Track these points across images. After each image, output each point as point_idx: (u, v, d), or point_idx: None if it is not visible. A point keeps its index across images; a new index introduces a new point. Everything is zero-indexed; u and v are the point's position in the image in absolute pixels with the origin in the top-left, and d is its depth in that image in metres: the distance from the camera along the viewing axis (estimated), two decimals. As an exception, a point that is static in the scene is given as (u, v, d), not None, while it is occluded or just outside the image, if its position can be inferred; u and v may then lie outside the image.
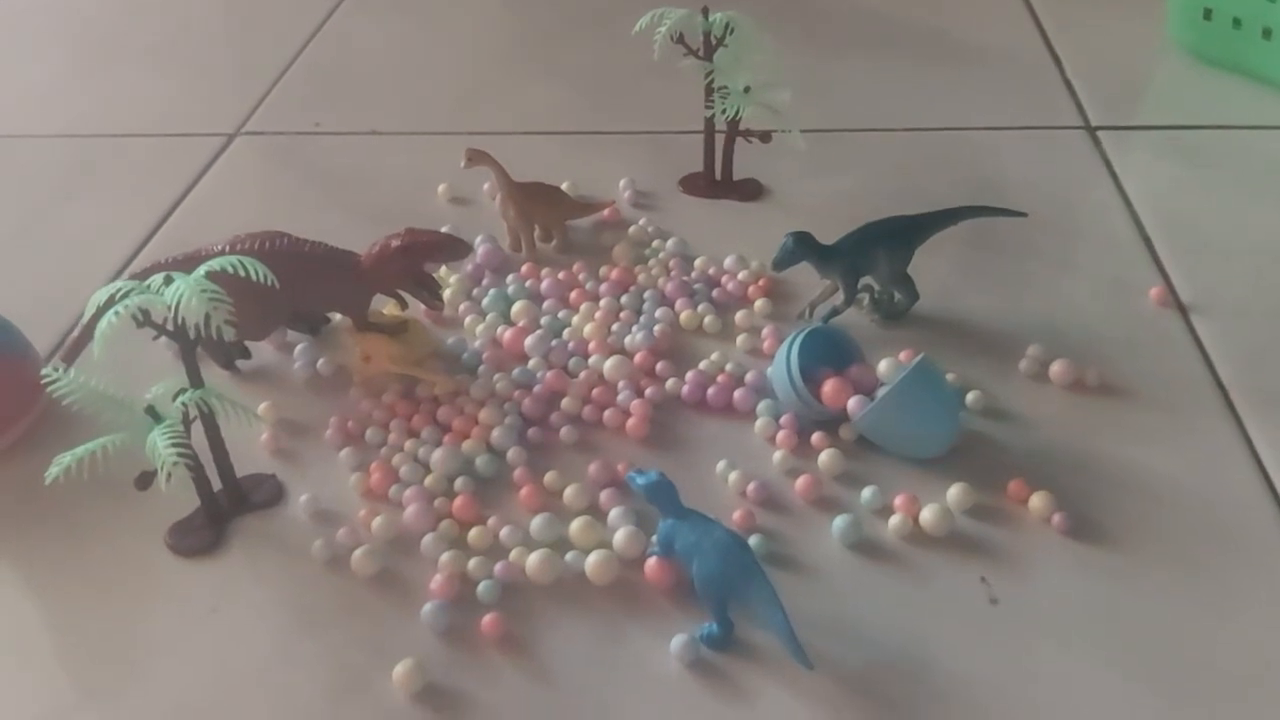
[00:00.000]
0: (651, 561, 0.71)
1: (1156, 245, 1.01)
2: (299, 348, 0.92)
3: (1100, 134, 1.18)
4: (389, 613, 0.71)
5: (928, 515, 0.74)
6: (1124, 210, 1.06)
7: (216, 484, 0.77)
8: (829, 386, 0.80)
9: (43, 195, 1.17)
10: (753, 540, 0.72)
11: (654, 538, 0.71)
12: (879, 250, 0.89)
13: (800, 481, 0.77)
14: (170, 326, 0.70)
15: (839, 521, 0.74)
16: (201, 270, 0.69)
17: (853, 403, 0.79)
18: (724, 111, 1.03)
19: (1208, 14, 1.26)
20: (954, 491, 0.76)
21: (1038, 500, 0.75)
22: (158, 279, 0.69)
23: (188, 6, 1.60)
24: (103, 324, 0.66)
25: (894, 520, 0.75)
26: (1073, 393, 0.85)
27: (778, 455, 0.80)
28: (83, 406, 0.70)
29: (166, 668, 0.70)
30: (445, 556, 0.73)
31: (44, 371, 0.70)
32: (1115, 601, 0.71)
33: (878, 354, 0.86)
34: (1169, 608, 0.70)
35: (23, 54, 1.49)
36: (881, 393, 0.79)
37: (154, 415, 0.70)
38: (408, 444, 0.82)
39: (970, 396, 0.84)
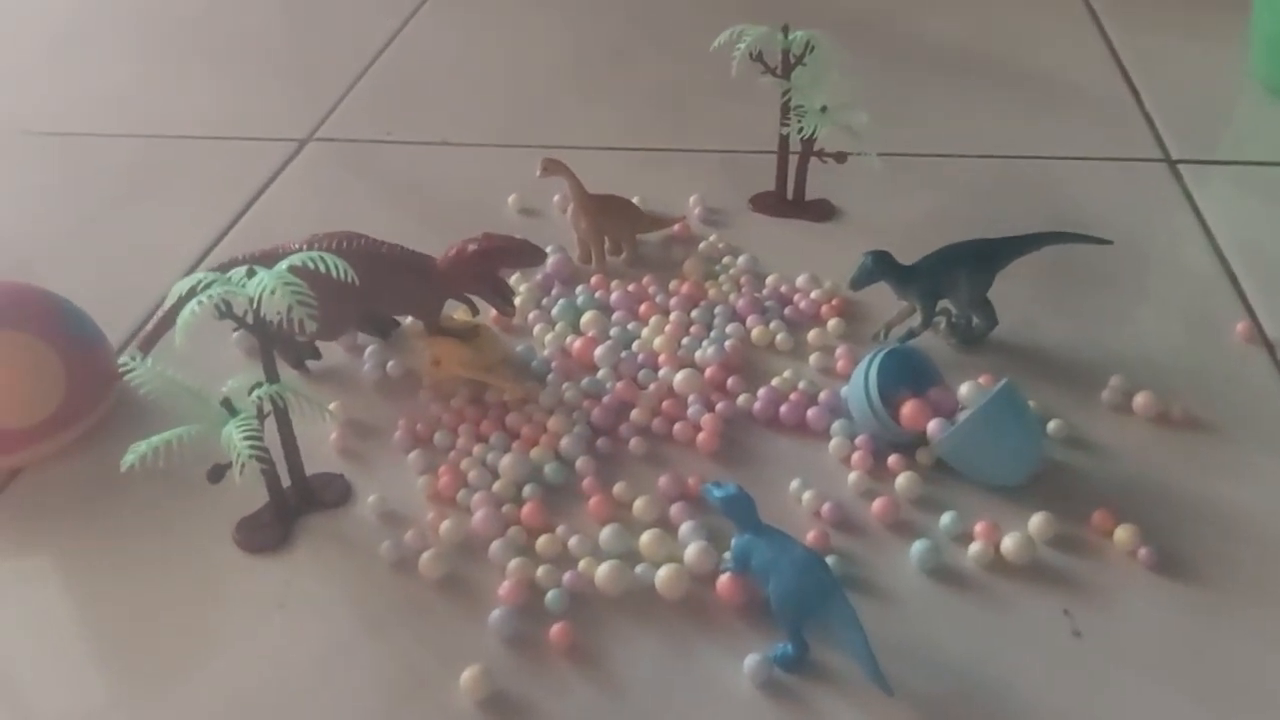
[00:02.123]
0: (725, 577, 0.69)
1: (1241, 280, 0.99)
2: (369, 350, 0.91)
3: (1181, 167, 1.16)
4: (456, 617, 0.70)
5: (1009, 544, 0.72)
6: (1207, 245, 1.04)
7: (286, 481, 0.77)
8: (908, 408, 0.79)
9: (117, 194, 1.18)
10: (828, 561, 0.70)
11: (727, 553, 0.70)
12: (959, 273, 0.87)
13: (877, 504, 0.76)
14: (251, 319, 0.69)
15: (918, 546, 0.72)
16: (284, 264, 0.69)
17: (933, 425, 0.77)
18: (800, 131, 1.02)
19: (1292, 50, 1.24)
20: (1036, 520, 0.74)
21: (1123, 533, 0.73)
22: (240, 272, 0.69)
23: (264, 13, 1.62)
24: (185, 313, 0.66)
25: (974, 547, 0.73)
26: (1157, 425, 0.83)
27: (853, 476, 0.78)
28: (158, 396, 0.70)
29: (231, 662, 0.69)
30: (513, 563, 0.72)
31: (121, 360, 0.70)
32: (1202, 639, 0.68)
33: (955, 378, 0.84)
34: (1256, 646, 0.67)
35: (103, 55, 1.51)
36: (963, 416, 0.77)
37: (229, 408, 0.70)
38: (476, 449, 0.82)
39: (1051, 425, 0.82)
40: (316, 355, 0.91)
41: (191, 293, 0.68)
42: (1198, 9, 1.47)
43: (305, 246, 0.82)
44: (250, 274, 0.68)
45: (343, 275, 0.71)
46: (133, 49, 1.52)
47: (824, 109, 1.01)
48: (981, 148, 1.21)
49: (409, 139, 1.27)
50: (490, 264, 0.84)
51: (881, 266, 0.87)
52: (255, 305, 0.68)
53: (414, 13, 1.57)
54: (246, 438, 0.67)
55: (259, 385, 0.71)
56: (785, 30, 1.02)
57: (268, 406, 0.71)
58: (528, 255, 0.86)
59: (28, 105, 1.39)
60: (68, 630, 0.72)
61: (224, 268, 0.81)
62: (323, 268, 0.71)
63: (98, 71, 1.46)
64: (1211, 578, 0.72)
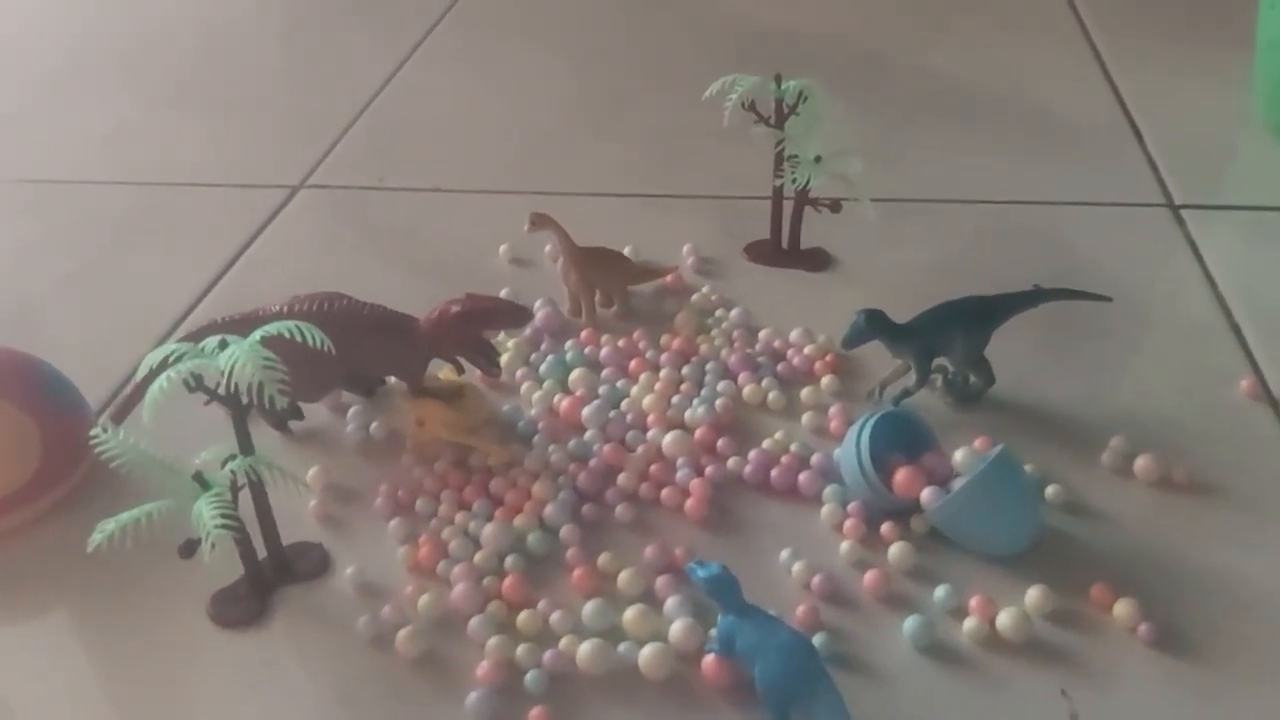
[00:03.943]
0: (709, 659, 0.67)
1: (1246, 333, 0.96)
2: (352, 410, 0.90)
3: (1184, 213, 1.14)
4: (432, 699, 0.68)
5: (1005, 619, 0.70)
6: (1210, 295, 1.01)
7: (261, 552, 0.75)
8: (901, 475, 0.77)
9: (104, 242, 1.17)
10: (817, 639, 0.68)
11: (713, 632, 0.67)
12: (955, 331, 0.85)
13: (869, 576, 0.73)
14: (223, 392, 0.68)
15: (910, 622, 0.70)
16: (257, 335, 0.68)
17: (927, 494, 0.75)
18: (794, 181, 1.00)
19: (1297, 91, 1.22)
20: (1033, 594, 0.71)
21: (1122, 607, 0.71)
22: (212, 342, 0.67)
23: (256, 58, 1.62)
24: (154, 389, 0.64)
25: (968, 623, 0.70)
26: (1159, 490, 0.81)
27: (845, 546, 0.76)
28: (130, 469, 0.68)
29: (200, 746, 0.67)
30: (493, 641, 0.70)
31: (92, 432, 0.68)
32: (1207, 722, 0.66)
33: (950, 439, 0.82)
34: (1266, 732, 0.65)
35: (90, 100, 1.51)
36: (958, 484, 0.75)
37: (202, 482, 0.68)
38: (458, 517, 0.80)
39: (1050, 490, 0.79)
40: (299, 416, 0.89)
41: (163, 365, 0.67)
42: (1202, 50, 1.45)
43: (285, 309, 0.81)
44: (222, 345, 0.67)
45: (318, 344, 0.69)
46: (121, 95, 1.51)
47: (818, 159, 1.00)
48: (979, 192, 1.19)
49: (401, 186, 1.26)
50: (474, 326, 0.83)
51: (874, 326, 0.84)
52: (226, 378, 0.66)
53: (407, 58, 1.56)
54: (217, 514, 0.65)
55: (232, 458, 0.69)
56: (778, 80, 1.00)
57: (242, 480, 0.69)
58: (512, 316, 0.84)
59: (12, 152, 1.38)
60: (35, 705, 0.70)
61: (200, 333, 0.80)
62: (299, 337, 0.69)
63: (84, 118, 1.45)
64: (1216, 655, 0.69)
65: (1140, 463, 0.81)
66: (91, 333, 1.03)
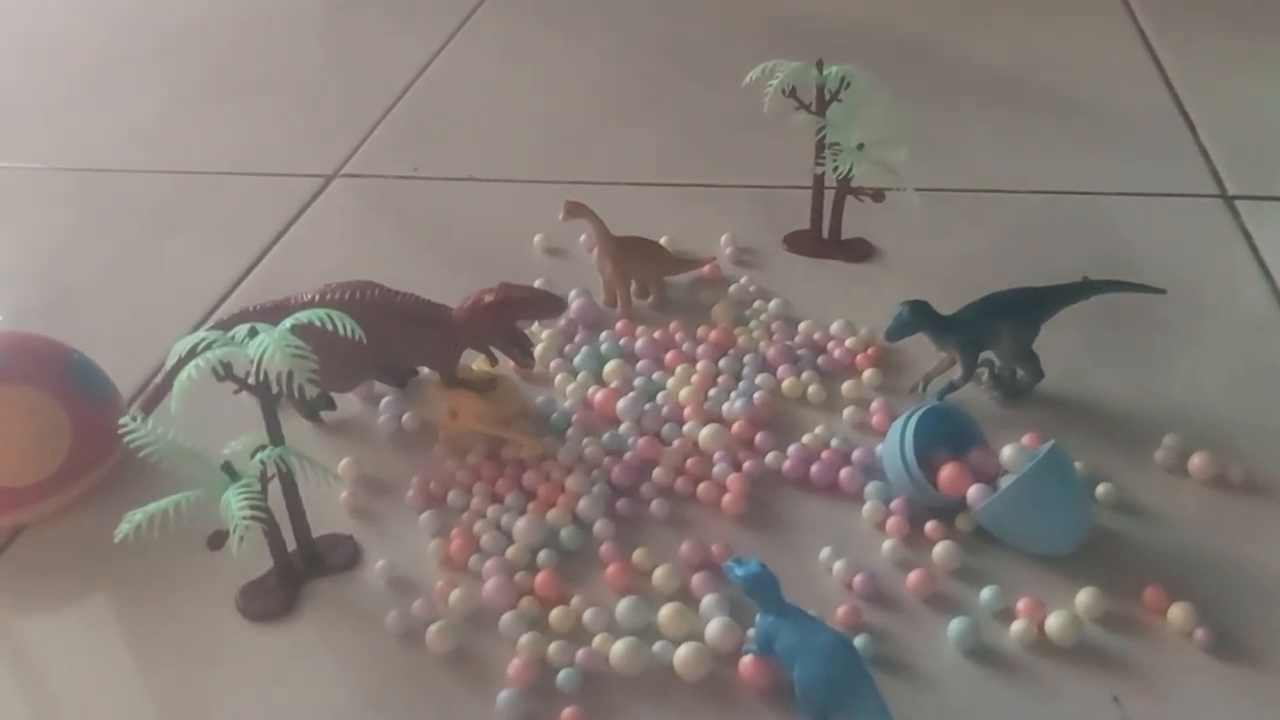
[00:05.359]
0: (747, 660, 0.65)
1: (1304, 328, 0.93)
2: (384, 400, 0.88)
3: (1238, 204, 1.10)
4: (462, 697, 0.67)
5: (1054, 622, 0.67)
6: (1266, 288, 0.98)
7: (291, 544, 0.74)
8: (947, 472, 0.74)
9: (140, 230, 1.17)
10: (859, 640, 0.66)
11: (750, 632, 0.65)
12: (1002, 323, 0.82)
13: (912, 576, 0.71)
14: (252, 381, 0.67)
15: (956, 624, 0.68)
16: (287, 323, 0.66)
17: (973, 491, 0.73)
18: (836, 169, 0.98)
19: (1358, 79, 1.17)
20: (1083, 596, 0.69)
21: (1178, 611, 0.68)
22: (242, 330, 0.66)
23: (292, 47, 1.61)
24: (182, 377, 0.63)
25: (1016, 626, 0.68)
26: (1215, 489, 0.78)
27: (887, 544, 0.74)
28: (159, 458, 0.67)
29: (228, 740, 0.66)
30: (525, 638, 0.68)
31: (122, 421, 0.67)
32: (1266, 732, 0.63)
33: (997, 436, 0.79)
34: (1330, 745, 0.62)
35: (127, 89, 1.51)
36: (1006, 481, 0.73)
37: (230, 473, 0.67)
38: (490, 510, 0.78)
39: (1100, 489, 0.77)
40: (331, 406, 0.88)
41: (192, 354, 0.65)
42: (1255, 36, 1.41)
43: (317, 297, 0.80)
44: (252, 334, 0.65)
45: (350, 333, 0.68)
46: (157, 84, 1.51)
47: (860, 146, 0.97)
48: (1026, 182, 1.16)
49: (435, 175, 1.24)
50: (507, 315, 0.81)
51: (919, 317, 0.82)
52: (256, 367, 0.65)
53: (442, 47, 1.55)
54: (245, 505, 0.64)
55: (262, 449, 0.68)
56: (820, 65, 0.98)
57: (271, 470, 0.68)
58: (546, 306, 0.82)
59: (50, 140, 1.38)
60: (63, 694, 0.70)
61: (230, 322, 0.79)
62: (330, 325, 0.68)
63: (122, 107, 1.45)
64: (1275, 661, 0.66)
65: (1195, 461, 0.79)
66: (125, 321, 1.02)
